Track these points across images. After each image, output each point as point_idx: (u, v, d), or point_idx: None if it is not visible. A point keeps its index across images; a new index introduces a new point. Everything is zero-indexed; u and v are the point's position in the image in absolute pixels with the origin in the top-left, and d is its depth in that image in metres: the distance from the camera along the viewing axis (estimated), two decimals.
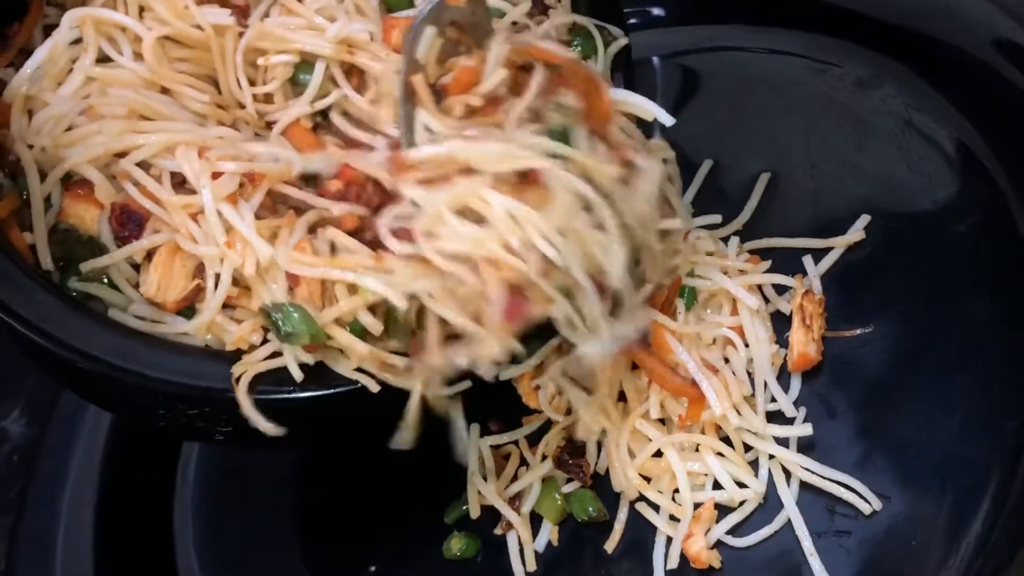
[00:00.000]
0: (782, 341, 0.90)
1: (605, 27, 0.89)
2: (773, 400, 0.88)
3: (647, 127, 0.87)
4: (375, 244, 0.77)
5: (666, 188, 0.86)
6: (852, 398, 0.87)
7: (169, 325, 0.79)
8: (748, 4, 1.08)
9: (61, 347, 0.76)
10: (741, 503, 0.85)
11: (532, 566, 0.89)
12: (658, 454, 0.87)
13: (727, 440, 0.87)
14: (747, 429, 0.86)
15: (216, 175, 0.78)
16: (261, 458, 1.02)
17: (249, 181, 0.79)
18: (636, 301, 0.78)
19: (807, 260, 0.93)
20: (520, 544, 0.90)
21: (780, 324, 0.91)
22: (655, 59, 1.09)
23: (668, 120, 0.83)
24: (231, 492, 1.02)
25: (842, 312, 0.90)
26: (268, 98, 0.86)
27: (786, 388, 0.88)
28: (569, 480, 0.90)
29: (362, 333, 0.77)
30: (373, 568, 0.94)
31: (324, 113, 0.85)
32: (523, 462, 0.92)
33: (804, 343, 0.88)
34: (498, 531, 0.91)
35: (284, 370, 0.76)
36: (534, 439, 0.92)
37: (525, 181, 0.73)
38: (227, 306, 0.79)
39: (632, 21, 1.09)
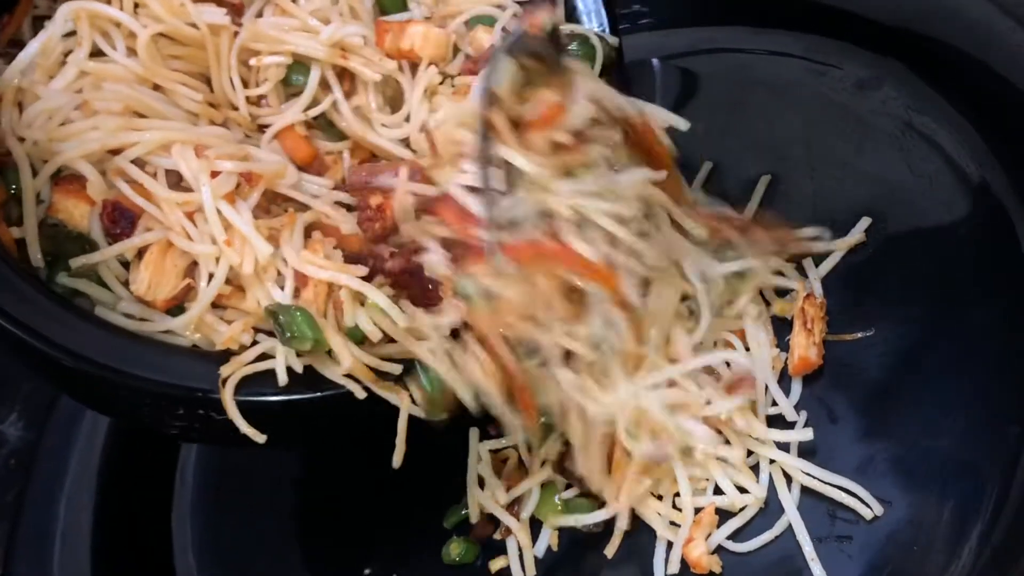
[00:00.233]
0: (783, 345, 0.90)
1: (602, 36, 0.90)
2: (774, 404, 0.87)
3: None
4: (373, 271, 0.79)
5: None
6: (853, 402, 0.86)
7: (157, 322, 0.78)
8: (748, 6, 1.08)
9: (46, 344, 0.76)
10: (742, 508, 0.85)
11: (532, 571, 0.89)
12: None
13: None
14: (748, 434, 0.86)
15: (214, 174, 0.78)
16: (260, 460, 1.02)
17: (246, 181, 0.79)
18: None
19: (808, 263, 0.92)
20: (520, 549, 0.89)
21: (781, 328, 0.90)
22: (654, 61, 1.09)
23: (683, 124, 0.84)
24: (230, 494, 1.02)
25: (843, 315, 0.90)
26: (257, 99, 0.86)
27: (787, 392, 0.88)
28: (568, 486, 0.89)
29: (361, 340, 0.77)
30: (369, 572, 0.94)
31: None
32: (521, 463, 0.92)
33: (805, 347, 0.88)
34: (497, 536, 0.91)
35: (272, 373, 0.76)
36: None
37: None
38: (217, 306, 0.79)
39: (631, 23, 1.09)
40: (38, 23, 0.85)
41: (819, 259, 0.92)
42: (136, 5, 0.84)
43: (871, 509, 0.81)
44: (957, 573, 0.77)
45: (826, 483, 0.83)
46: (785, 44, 1.05)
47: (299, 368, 0.76)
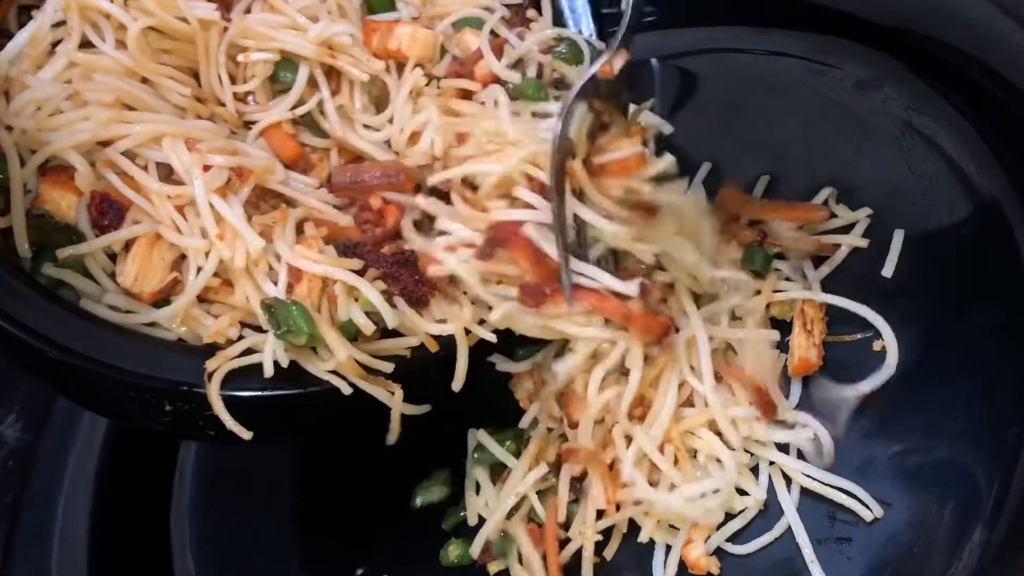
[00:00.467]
0: (783, 346, 0.89)
1: (589, 41, 0.91)
2: None
3: None
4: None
5: None
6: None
7: (142, 314, 0.78)
8: (747, 5, 1.08)
9: (30, 335, 0.75)
10: (742, 510, 0.85)
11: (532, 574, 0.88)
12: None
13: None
14: (748, 436, 0.85)
15: (206, 168, 0.78)
16: (258, 461, 1.02)
17: (237, 176, 0.79)
18: None
19: (807, 264, 0.92)
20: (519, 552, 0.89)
21: (780, 329, 0.90)
22: (654, 61, 1.08)
23: (667, 128, 0.84)
24: (228, 495, 1.02)
25: (843, 316, 0.89)
26: (244, 95, 0.86)
27: (787, 393, 0.88)
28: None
29: (354, 335, 0.78)
30: (362, 572, 0.94)
31: None
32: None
33: (805, 348, 0.87)
34: (495, 538, 0.90)
35: (257, 369, 0.76)
36: None
37: None
38: (204, 300, 0.79)
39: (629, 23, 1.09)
40: (23, 13, 0.85)
41: (819, 260, 0.92)
42: None
43: (871, 511, 0.81)
44: (957, 575, 0.77)
45: (826, 485, 0.83)
46: (785, 44, 1.04)
47: (285, 363, 0.76)
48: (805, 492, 0.84)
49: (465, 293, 0.80)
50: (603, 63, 0.80)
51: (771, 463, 0.85)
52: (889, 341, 0.86)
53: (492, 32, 0.89)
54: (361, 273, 0.79)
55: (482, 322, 0.80)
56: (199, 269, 0.78)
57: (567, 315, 0.79)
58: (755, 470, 0.86)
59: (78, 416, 1.05)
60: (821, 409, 0.86)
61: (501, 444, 0.91)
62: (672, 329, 0.83)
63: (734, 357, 0.88)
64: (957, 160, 0.93)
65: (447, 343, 0.79)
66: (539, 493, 0.89)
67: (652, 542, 0.86)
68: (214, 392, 0.75)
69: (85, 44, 0.83)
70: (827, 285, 0.91)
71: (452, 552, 0.91)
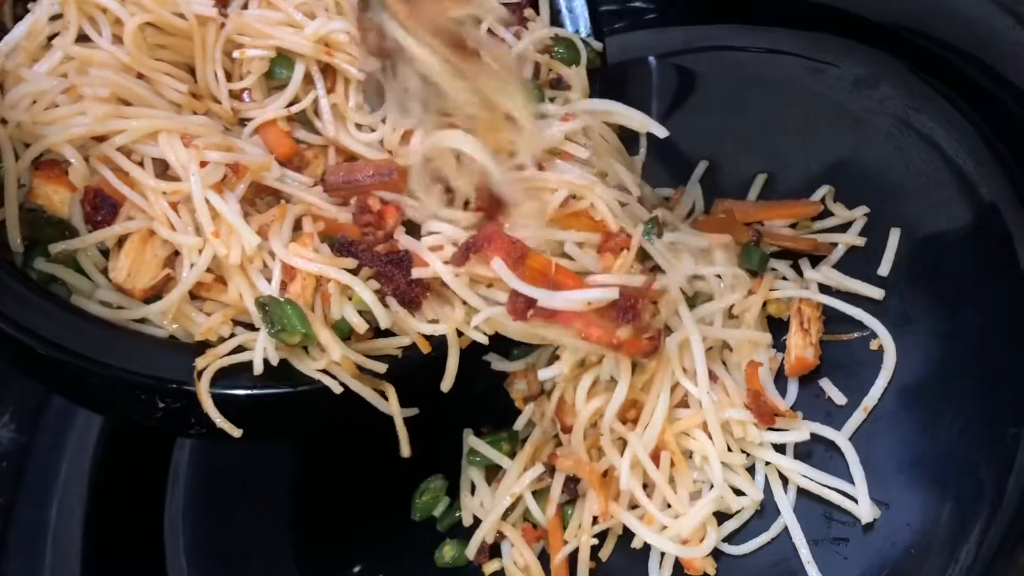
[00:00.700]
0: (779, 345, 0.89)
1: (586, 40, 0.91)
2: None
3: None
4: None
5: None
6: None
7: (133, 310, 0.78)
8: (744, 3, 1.07)
9: (18, 330, 0.75)
10: (738, 510, 0.84)
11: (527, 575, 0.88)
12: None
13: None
14: (742, 437, 0.85)
15: (202, 164, 0.78)
16: (252, 463, 1.01)
17: (233, 172, 0.79)
18: None
19: (804, 263, 0.92)
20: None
21: (777, 328, 0.89)
22: (651, 59, 1.08)
23: (661, 132, 0.83)
24: (222, 497, 1.02)
25: (840, 315, 0.89)
26: (239, 93, 0.86)
27: (783, 393, 0.87)
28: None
29: (347, 334, 0.77)
30: (359, 569, 0.94)
31: None
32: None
33: (802, 347, 0.87)
34: (491, 539, 0.90)
35: (247, 367, 0.76)
36: None
37: None
38: (196, 297, 0.78)
39: (627, 21, 1.08)
40: (18, 5, 0.85)
41: (816, 259, 0.92)
42: None
43: (868, 511, 0.80)
44: None
45: (822, 485, 0.82)
46: (782, 42, 1.04)
47: (275, 361, 0.76)
48: (802, 492, 0.83)
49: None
50: None
51: (767, 463, 0.85)
52: (886, 341, 0.86)
53: (489, 31, 0.89)
54: (355, 272, 0.78)
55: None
56: (192, 266, 0.77)
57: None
58: (751, 470, 0.85)
59: (72, 417, 1.05)
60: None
61: (496, 445, 0.91)
62: (662, 343, 0.82)
63: (729, 354, 0.88)
64: (955, 158, 0.93)
65: (439, 343, 0.79)
66: (534, 494, 0.89)
67: (647, 544, 0.86)
68: (203, 390, 0.75)
69: (82, 38, 0.83)
70: (823, 284, 0.91)
71: (447, 553, 0.90)
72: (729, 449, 0.85)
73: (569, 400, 0.86)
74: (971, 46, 0.95)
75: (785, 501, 0.83)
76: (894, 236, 0.90)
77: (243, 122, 0.86)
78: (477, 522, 0.90)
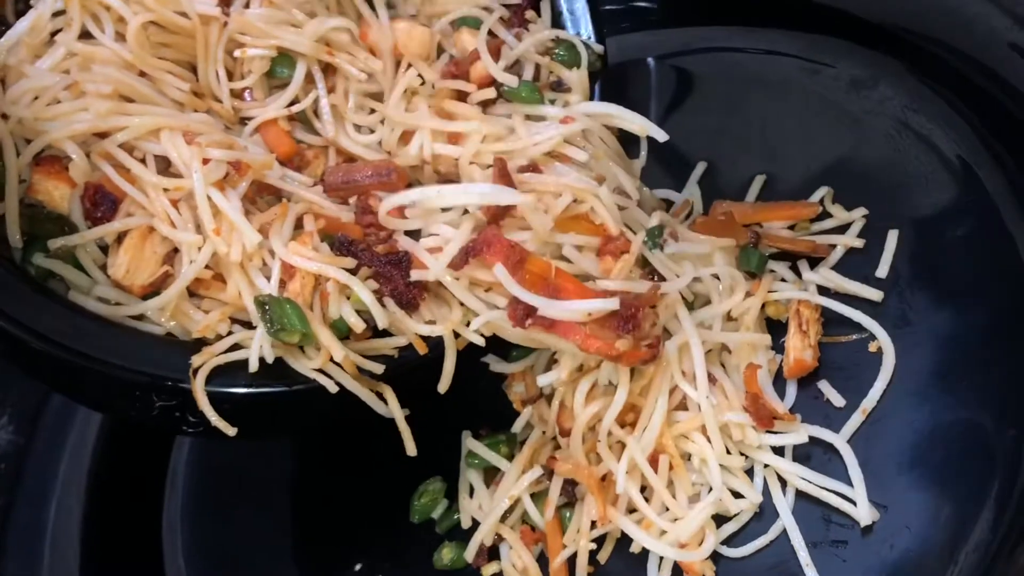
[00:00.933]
0: (778, 347, 0.89)
1: (587, 43, 0.91)
2: None
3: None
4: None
5: None
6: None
7: (130, 305, 0.78)
8: (742, 4, 1.07)
9: (15, 326, 0.75)
10: (737, 513, 0.84)
11: None
12: None
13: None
14: (741, 440, 0.85)
15: (205, 161, 0.78)
16: (251, 463, 1.01)
17: (235, 170, 0.79)
18: None
19: (803, 264, 0.92)
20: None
21: (776, 330, 0.89)
22: (650, 60, 1.08)
23: (661, 136, 0.83)
24: (220, 497, 1.02)
25: (839, 317, 0.89)
26: (240, 92, 0.86)
27: (782, 395, 0.87)
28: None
29: (346, 333, 0.77)
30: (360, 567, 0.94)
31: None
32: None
33: (800, 349, 0.87)
34: (489, 542, 0.90)
35: (243, 365, 0.76)
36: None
37: None
38: (195, 295, 0.78)
39: (626, 22, 1.08)
40: (20, 1, 0.86)
41: (814, 261, 0.92)
42: None
43: (867, 514, 0.80)
44: None
45: (821, 487, 0.82)
46: (780, 43, 1.04)
47: (271, 359, 0.76)
48: (800, 495, 0.83)
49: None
50: None
51: (766, 466, 0.85)
52: (885, 343, 0.86)
53: (490, 32, 0.88)
54: (354, 271, 0.78)
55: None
56: (191, 263, 0.77)
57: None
58: (750, 473, 0.85)
59: (70, 418, 1.05)
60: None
61: (494, 448, 0.91)
62: (661, 349, 0.82)
63: (728, 357, 0.88)
64: (953, 159, 0.93)
65: (436, 345, 0.79)
66: (533, 496, 0.89)
67: (646, 548, 0.86)
68: (199, 387, 0.75)
69: (84, 35, 0.83)
70: (822, 286, 0.90)
71: (446, 555, 0.91)
72: (728, 452, 0.85)
73: (567, 404, 0.86)
74: (970, 47, 0.95)
75: (784, 504, 0.83)
76: (892, 237, 0.90)
77: (244, 121, 0.86)
78: (476, 524, 0.90)
